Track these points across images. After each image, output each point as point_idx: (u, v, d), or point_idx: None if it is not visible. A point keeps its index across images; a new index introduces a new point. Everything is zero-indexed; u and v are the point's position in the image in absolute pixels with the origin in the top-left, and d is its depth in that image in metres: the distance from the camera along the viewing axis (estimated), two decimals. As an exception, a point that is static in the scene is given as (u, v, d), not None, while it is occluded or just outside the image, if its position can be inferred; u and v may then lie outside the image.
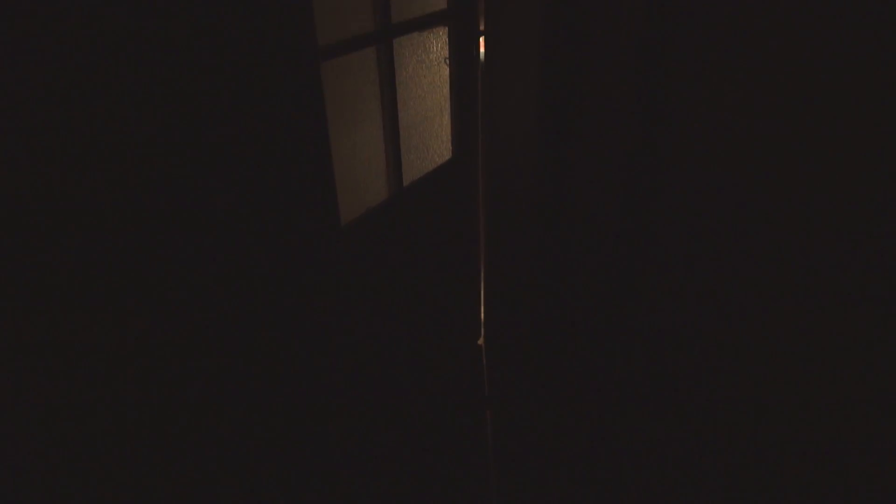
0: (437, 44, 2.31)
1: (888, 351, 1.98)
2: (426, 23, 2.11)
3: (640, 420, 2.58)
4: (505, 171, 2.61)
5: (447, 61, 2.37)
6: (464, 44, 2.34)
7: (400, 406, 2.45)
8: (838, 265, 2.01)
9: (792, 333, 2.23)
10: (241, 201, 1.41)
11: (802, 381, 2.27)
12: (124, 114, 1.09)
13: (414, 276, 2.34)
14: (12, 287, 0.96)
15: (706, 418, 2.53)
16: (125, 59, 1.06)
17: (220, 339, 1.44)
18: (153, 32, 1.11)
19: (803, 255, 2.08)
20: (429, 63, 2.31)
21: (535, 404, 2.72)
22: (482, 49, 2.43)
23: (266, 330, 1.59)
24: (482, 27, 2.41)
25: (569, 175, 2.51)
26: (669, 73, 2.12)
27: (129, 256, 1.17)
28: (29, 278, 0.98)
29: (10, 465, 1.04)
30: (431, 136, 2.42)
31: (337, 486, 2.07)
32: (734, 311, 2.38)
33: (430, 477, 2.34)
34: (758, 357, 2.39)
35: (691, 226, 2.34)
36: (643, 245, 2.47)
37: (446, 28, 2.30)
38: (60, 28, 0.95)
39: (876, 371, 2.03)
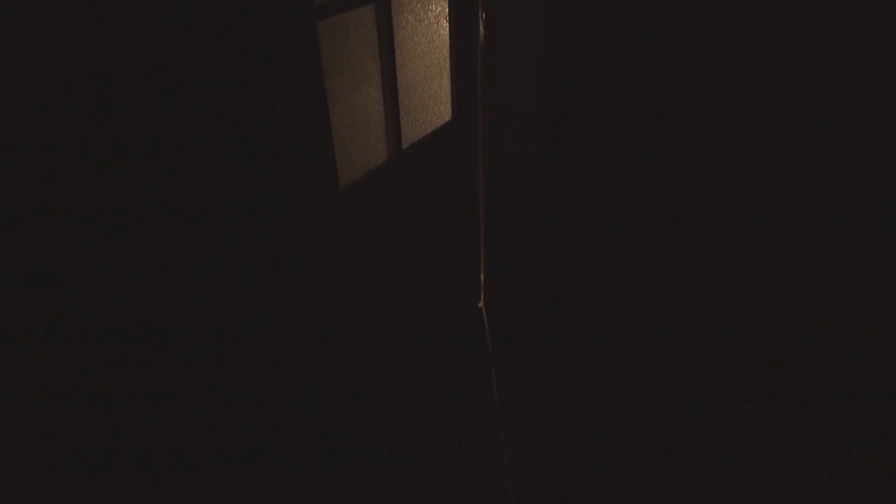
0: (437, 1, 2.26)
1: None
2: (424, -21, 2.05)
3: (639, 371, 2.63)
4: (506, 132, 2.59)
5: (447, 19, 2.32)
6: (464, 0, 2.29)
7: (404, 366, 2.49)
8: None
9: (785, 295, 2.25)
10: (236, 165, 1.41)
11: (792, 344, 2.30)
12: (119, 75, 1.08)
13: (413, 239, 2.35)
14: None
15: (703, 374, 2.57)
16: (117, 16, 1.05)
17: (218, 305, 1.46)
18: (143, -11, 1.08)
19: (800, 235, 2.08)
20: (428, 22, 2.26)
21: (537, 360, 2.77)
22: (482, 6, 2.37)
23: (265, 296, 1.61)
24: (482, -17, 2.35)
25: (571, 136, 2.49)
26: (676, 24, 2.07)
27: (130, 228, 1.17)
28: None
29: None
30: (431, 97, 2.39)
31: (345, 448, 2.13)
32: (733, 270, 2.39)
33: (439, 433, 2.40)
34: (756, 316, 2.41)
35: (695, 185, 2.33)
36: (645, 206, 2.46)
37: (445, -16, 2.24)
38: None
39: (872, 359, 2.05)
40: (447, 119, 2.48)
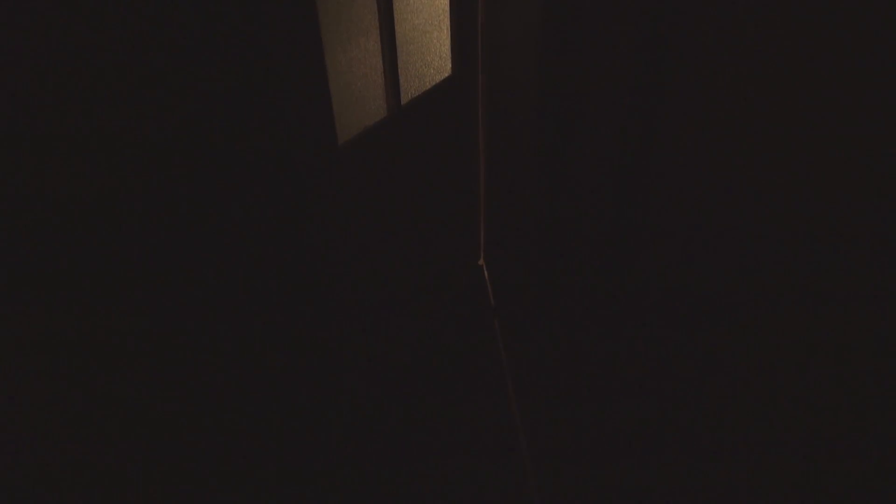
0: (434, -50, 2.21)
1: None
2: (421, -73, 2.00)
3: (638, 318, 2.68)
4: (506, 87, 2.57)
5: (444, -30, 2.27)
6: (461, -50, 2.24)
7: (408, 321, 2.55)
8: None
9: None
10: (233, 122, 1.42)
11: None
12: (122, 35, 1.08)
13: (413, 196, 2.37)
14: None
15: (702, 324, 2.62)
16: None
17: (220, 264, 1.50)
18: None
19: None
20: (425, -28, 2.21)
21: (538, 311, 2.82)
22: (481, -44, 2.32)
23: (266, 255, 1.64)
24: (481, -69, 2.29)
25: (572, 91, 2.47)
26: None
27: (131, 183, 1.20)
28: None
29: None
30: (430, 52, 2.37)
31: (351, 398, 2.21)
32: (732, 223, 2.41)
33: (447, 383, 2.48)
34: (757, 265, 2.44)
35: (698, 142, 2.32)
36: (646, 161, 2.46)
37: (443, -67, 2.19)
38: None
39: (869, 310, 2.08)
40: (447, 74, 2.46)
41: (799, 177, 2.13)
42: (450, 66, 2.45)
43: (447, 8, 2.34)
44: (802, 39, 1.89)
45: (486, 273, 3.05)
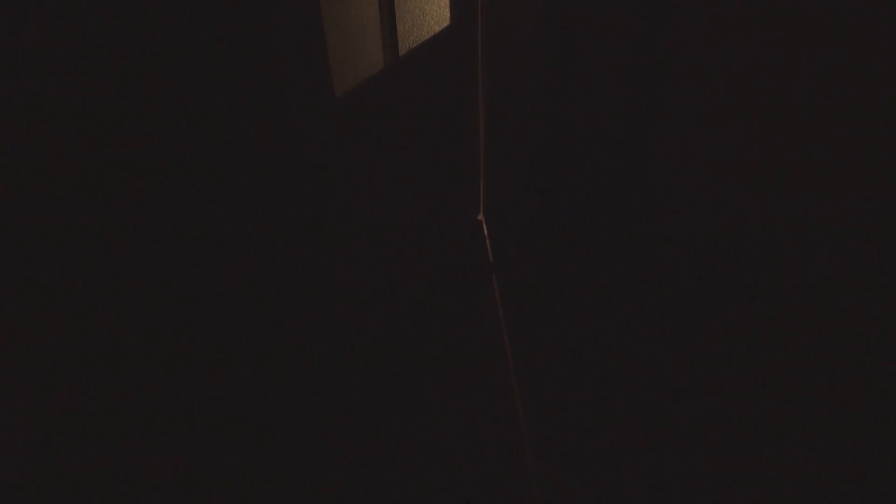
0: None
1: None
2: None
3: (635, 272, 2.72)
4: (506, 37, 2.51)
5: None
6: None
7: (406, 276, 2.58)
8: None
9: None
10: (227, 73, 1.41)
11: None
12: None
13: (412, 149, 2.36)
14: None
15: (700, 277, 2.65)
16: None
17: (214, 226, 1.51)
18: None
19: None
20: (423, -85, 2.14)
21: (536, 267, 2.85)
22: None
23: (263, 213, 1.65)
24: None
25: (574, 39, 2.42)
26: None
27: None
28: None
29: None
30: (428, 1, 2.31)
31: (349, 352, 2.26)
32: (733, 183, 2.40)
33: (444, 337, 2.53)
34: (763, 213, 2.45)
35: (700, 95, 2.29)
36: (648, 115, 2.44)
37: None
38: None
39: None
40: (445, 24, 2.41)
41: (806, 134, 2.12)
42: (448, 15, 2.40)
43: (445, -46, 2.27)
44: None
45: (484, 228, 3.06)
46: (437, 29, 2.37)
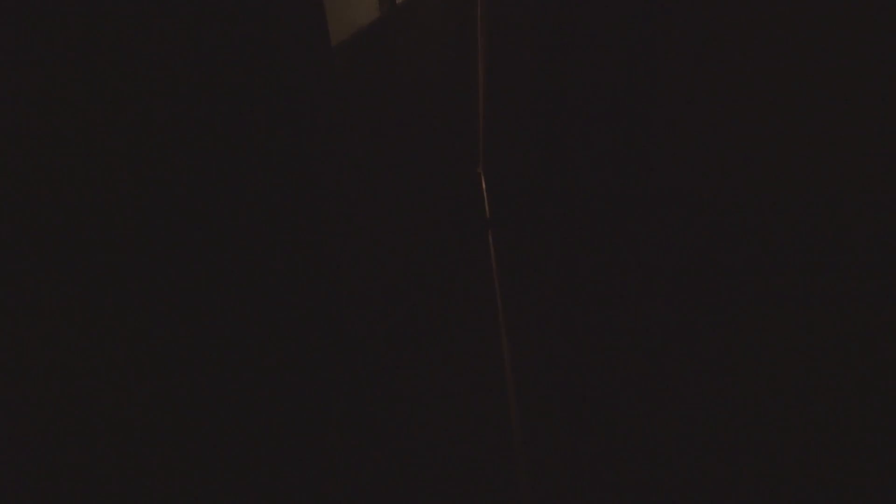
0: None
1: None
2: None
3: (635, 230, 2.74)
4: (507, -16, 2.43)
5: None
6: None
7: (402, 228, 2.60)
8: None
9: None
10: (220, 21, 1.37)
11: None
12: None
13: (409, 99, 2.33)
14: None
15: (704, 235, 2.67)
16: None
17: (207, 182, 1.51)
18: None
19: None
20: None
21: (532, 223, 2.87)
22: None
23: (259, 163, 1.65)
24: None
25: (575, -11, 2.34)
26: None
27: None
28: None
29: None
30: (426, -56, 2.22)
31: (346, 302, 2.30)
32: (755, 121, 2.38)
33: (437, 291, 2.57)
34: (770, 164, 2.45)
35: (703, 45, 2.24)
36: (650, 67, 2.39)
37: None
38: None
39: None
40: (444, -31, 2.33)
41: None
42: (448, -40, 2.31)
43: None
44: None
45: (483, 181, 3.06)
46: (436, -26, 2.30)
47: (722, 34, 2.19)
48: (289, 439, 1.96)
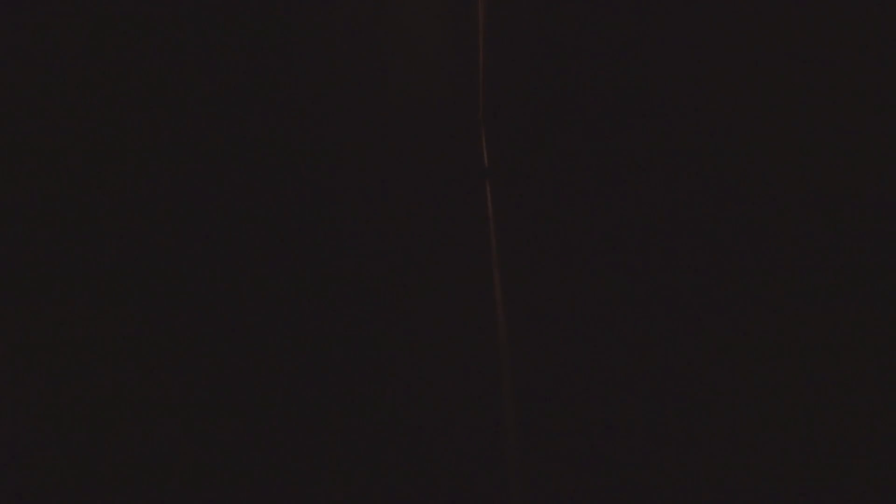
0: None
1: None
2: None
3: (633, 172, 2.72)
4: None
5: None
6: None
7: (397, 179, 2.59)
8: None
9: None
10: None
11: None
12: None
13: (409, 42, 2.26)
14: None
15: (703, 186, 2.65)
16: None
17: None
18: None
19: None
20: None
21: (530, 175, 2.85)
22: None
23: (254, 104, 1.62)
24: None
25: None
26: None
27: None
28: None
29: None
30: None
31: (340, 241, 2.33)
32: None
33: (430, 243, 2.60)
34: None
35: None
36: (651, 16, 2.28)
37: None
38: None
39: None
40: None
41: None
42: None
43: None
44: None
45: (482, 130, 3.01)
46: None
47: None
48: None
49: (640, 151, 2.76)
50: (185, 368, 1.67)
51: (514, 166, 2.89)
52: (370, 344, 2.23)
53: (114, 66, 1.05)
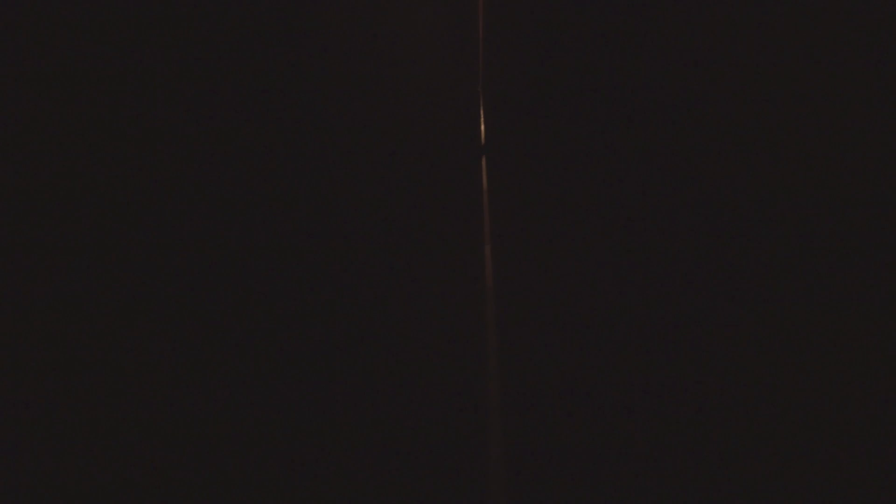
0: None
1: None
2: None
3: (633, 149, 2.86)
4: None
5: None
6: None
7: (396, 153, 2.71)
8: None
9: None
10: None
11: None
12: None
13: (408, 17, 2.32)
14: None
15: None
16: None
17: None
18: None
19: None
20: None
21: (527, 149, 2.98)
22: None
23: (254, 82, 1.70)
24: None
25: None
26: None
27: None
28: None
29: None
30: None
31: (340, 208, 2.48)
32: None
33: (427, 216, 2.76)
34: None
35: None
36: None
37: None
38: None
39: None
40: None
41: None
42: None
43: None
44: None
45: (481, 102, 3.09)
46: None
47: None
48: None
49: (641, 129, 2.86)
50: (182, 364, 1.79)
51: (511, 143, 3.01)
52: (362, 320, 2.41)
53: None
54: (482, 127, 3.05)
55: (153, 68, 1.25)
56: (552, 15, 2.61)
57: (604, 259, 2.47)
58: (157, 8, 1.14)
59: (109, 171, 1.27)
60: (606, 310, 2.33)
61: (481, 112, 3.09)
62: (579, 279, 2.48)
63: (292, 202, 2.02)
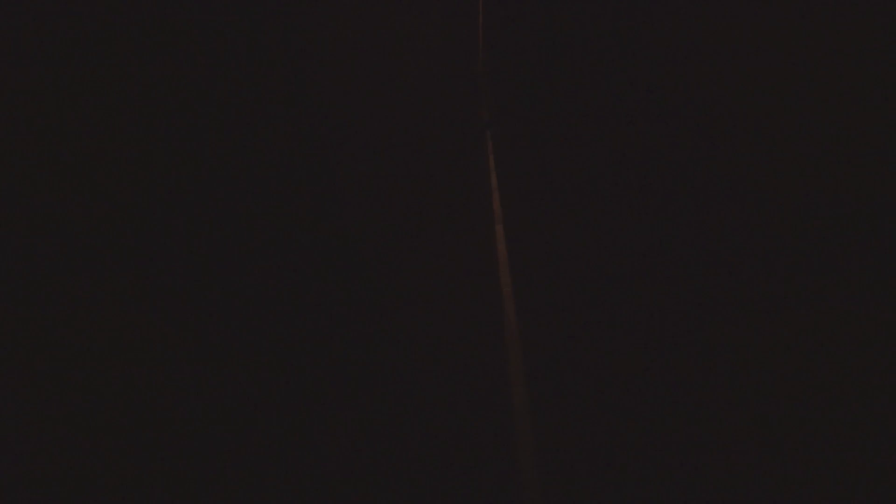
0: None
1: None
2: None
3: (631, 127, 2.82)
4: None
5: None
6: None
7: (403, 134, 2.68)
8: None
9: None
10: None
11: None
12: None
13: (407, 5, 2.28)
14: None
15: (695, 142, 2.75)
16: None
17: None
18: None
19: None
20: None
21: (527, 125, 2.94)
22: None
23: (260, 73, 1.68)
24: None
25: None
26: None
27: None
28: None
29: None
30: None
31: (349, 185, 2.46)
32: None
33: (435, 190, 2.74)
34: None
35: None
36: None
37: None
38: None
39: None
40: None
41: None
42: None
43: None
44: None
45: (483, 82, 3.04)
46: None
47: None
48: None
49: (641, 101, 2.81)
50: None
51: (515, 118, 2.96)
52: (373, 305, 2.39)
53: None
54: (485, 102, 3.00)
55: (177, 68, 1.22)
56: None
57: (616, 231, 2.42)
58: (169, 10, 1.12)
59: (114, 172, 1.26)
60: (624, 285, 2.27)
61: (483, 89, 3.04)
62: (595, 252, 2.45)
63: (305, 190, 1.99)
